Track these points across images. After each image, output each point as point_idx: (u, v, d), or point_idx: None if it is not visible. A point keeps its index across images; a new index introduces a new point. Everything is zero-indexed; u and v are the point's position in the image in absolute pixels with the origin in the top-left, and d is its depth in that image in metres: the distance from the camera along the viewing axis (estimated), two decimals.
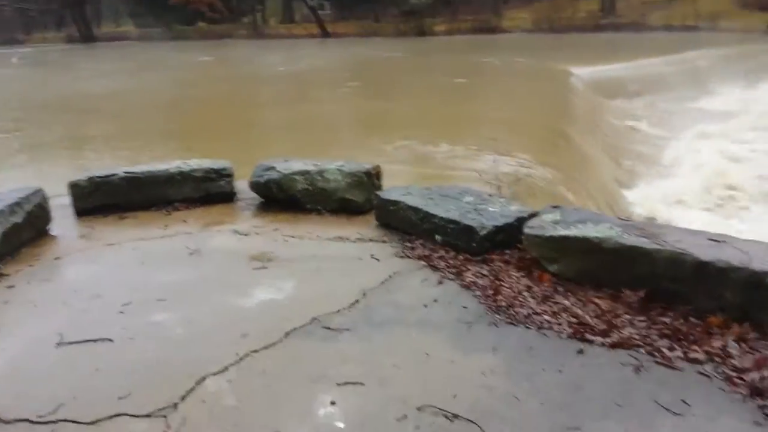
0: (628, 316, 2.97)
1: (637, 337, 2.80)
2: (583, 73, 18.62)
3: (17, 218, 4.16)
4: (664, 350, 2.69)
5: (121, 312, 3.23)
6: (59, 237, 4.49)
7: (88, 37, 63.66)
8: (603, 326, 2.90)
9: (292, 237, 4.32)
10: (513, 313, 3.10)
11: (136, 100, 17.16)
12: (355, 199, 4.87)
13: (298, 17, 68.59)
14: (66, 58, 39.54)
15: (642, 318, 2.95)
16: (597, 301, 3.13)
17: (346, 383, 2.56)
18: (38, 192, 4.52)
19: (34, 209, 4.38)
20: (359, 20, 57.77)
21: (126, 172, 5.13)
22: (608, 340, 2.80)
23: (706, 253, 2.94)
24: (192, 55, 36.07)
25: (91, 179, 4.99)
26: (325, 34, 56.27)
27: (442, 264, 3.74)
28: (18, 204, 4.22)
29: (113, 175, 5.08)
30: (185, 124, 13.53)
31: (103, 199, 4.99)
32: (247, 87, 20.21)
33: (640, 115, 16.43)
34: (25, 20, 69.66)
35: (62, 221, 4.76)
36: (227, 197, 5.28)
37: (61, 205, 4.98)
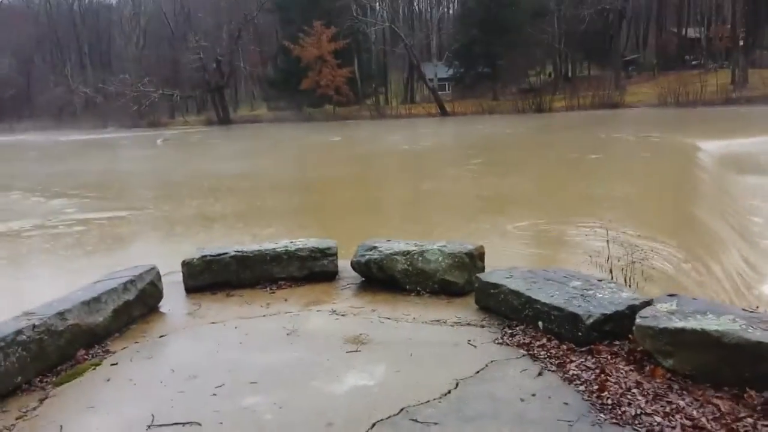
0: (751, 420, 2.62)
1: None
2: (711, 147, 17.66)
3: (129, 296, 4.38)
4: None
5: (214, 394, 3.24)
6: (167, 314, 4.67)
7: (225, 120, 68.86)
8: (722, 431, 2.56)
9: (389, 319, 4.24)
10: (620, 412, 2.82)
11: (266, 179, 18.14)
12: (455, 281, 4.74)
13: (418, 98, 70.80)
14: (206, 139, 42.85)
15: (767, 423, 2.58)
16: (716, 401, 2.79)
17: None
18: (152, 270, 4.75)
19: (146, 287, 4.60)
20: (477, 99, 58.57)
21: (236, 251, 5.31)
22: None
23: None
24: (320, 135, 38.00)
25: (203, 258, 5.20)
26: (444, 112, 57.52)
27: (544, 353, 3.51)
28: (132, 282, 4.45)
29: (224, 254, 5.26)
30: (309, 202, 14.08)
31: (213, 277, 5.17)
32: (371, 165, 20.75)
33: None
34: (170, 105, 76.42)
35: (173, 298, 4.97)
36: (330, 276, 5.32)
37: (174, 282, 5.21)
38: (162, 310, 4.75)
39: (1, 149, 43.33)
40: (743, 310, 3.34)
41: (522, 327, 3.90)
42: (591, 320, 3.52)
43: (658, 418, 2.74)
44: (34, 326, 3.58)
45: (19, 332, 3.48)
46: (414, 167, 20.96)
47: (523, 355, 3.53)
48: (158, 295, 4.79)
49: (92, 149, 38.97)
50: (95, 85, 74.77)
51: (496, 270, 4.55)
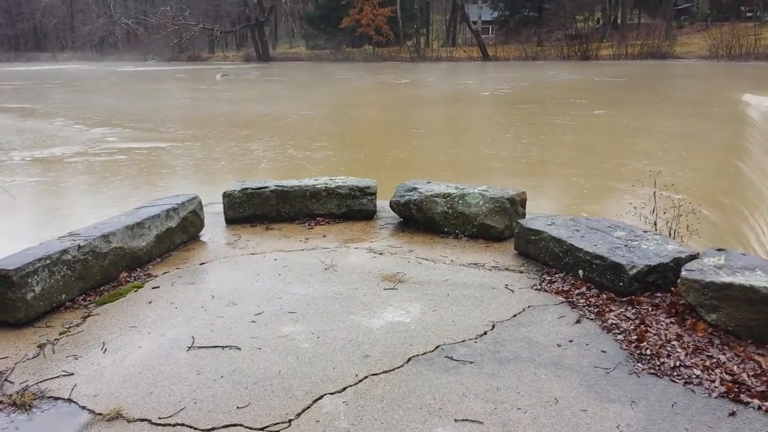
0: None
1: None
2: (762, 103, 16.99)
3: (171, 223, 4.45)
4: None
5: (253, 321, 3.30)
6: (208, 243, 4.73)
7: (264, 57, 68.41)
8: (762, 387, 2.52)
9: (426, 260, 4.24)
10: (658, 363, 2.79)
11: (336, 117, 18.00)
12: (495, 225, 4.70)
13: (460, 40, 69.20)
14: (265, 76, 42.61)
15: None
16: (758, 358, 2.74)
17: (465, 420, 2.41)
18: (194, 199, 4.80)
19: (188, 215, 4.66)
20: (521, 44, 57.02)
21: (276, 185, 5.33)
22: (767, 403, 2.42)
23: None
24: (384, 76, 37.64)
25: (244, 190, 5.23)
26: (486, 57, 56.22)
27: (583, 302, 3.48)
28: (174, 209, 4.51)
29: (265, 187, 5.29)
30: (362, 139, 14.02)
31: (253, 210, 5.21)
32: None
33: None
34: (209, 39, 76.08)
35: (213, 228, 5.03)
36: (368, 215, 5.32)
37: (215, 212, 5.26)
38: (203, 239, 4.82)
39: (74, 78, 43.55)
40: None
41: (561, 275, 3.86)
42: (634, 271, 3.46)
43: (697, 371, 2.70)
44: (79, 246, 3.66)
45: (64, 251, 3.57)
46: (456, 109, 20.65)
47: (562, 302, 3.50)
48: (200, 224, 4.85)
49: (159, 83, 38.94)
50: (137, 17, 74.62)
51: (537, 216, 4.49)
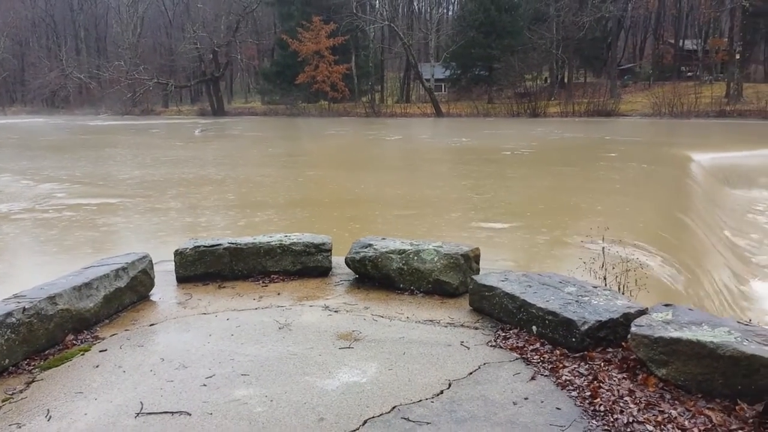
0: None
1: None
2: (704, 159, 17.75)
3: (120, 283, 4.34)
4: None
5: (204, 385, 3.21)
6: (159, 303, 4.63)
7: (219, 111, 68.53)
8: None
9: (382, 317, 4.22)
10: (611, 419, 2.81)
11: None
12: (450, 281, 4.73)
13: (414, 97, 70.74)
14: (246, 131, 42.20)
15: None
16: (708, 413, 2.78)
17: None
18: (144, 258, 4.71)
19: (138, 275, 4.56)
20: (473, 101, 58.63)
21: (230, 243, 5.27)
22: None
23: None
24: (372, 132, 37.94)
25: (196, 248, 5.16)
26: (440, 113, 57.51)
27: (537, 358, 3.50)
28: (123, 269, 4.41)
29: (218, 245, 5.23)
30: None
31: (205, 268, 5.13)
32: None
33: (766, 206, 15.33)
34: (164, 94, 75.96)
35: (164, 287, 4.93)
36: (324, 272, 5.29)
37: (166, 270, 5.16)
38: (153, 298, 4.71)
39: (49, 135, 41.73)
40: (738, 322, 3.34)
41: (516, 330, 3.89)
42: (586, 326, 3.51)
43: (650, 427, 2.73)
44: (24, 309, 3.54)
45: (8, 314, 3.45)
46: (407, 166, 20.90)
47: (516, 359, 3.52)
48: (150, 283, 4.75)
49: (139, 136, 38.07)
50: (90, 71, 74.17)
51: (491, 272, 4.54)
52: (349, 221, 11.11)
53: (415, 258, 4.85)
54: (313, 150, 28.31)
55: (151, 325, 4.15)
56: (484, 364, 3.45)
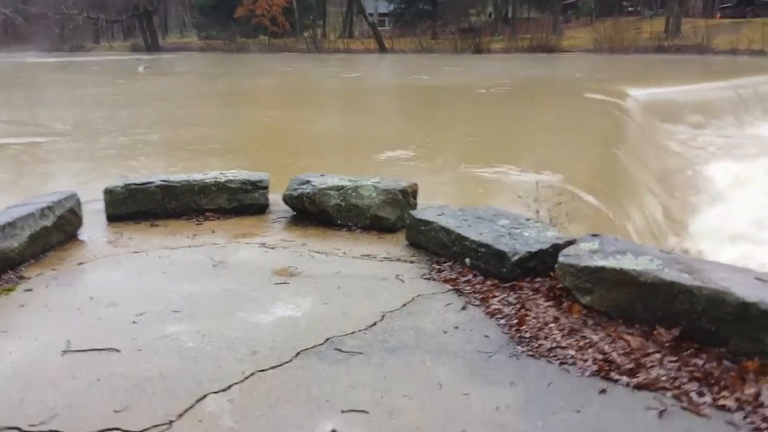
0: (658, 356, 2.74)
1: (665, 378, 2.57)
2: (640, 95, 18.11)
3: (46, 222, 4.19)
4: (693, 395, 2.46)
5: (134, 322, 3.17)
6: (87, 242, 4.51)
7: (153, 47, 65.79)
8: (630, 365, 2.68)
9: (318, 253, 4.23)
10: (536, 345, 2.92)
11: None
12: (387, 217, 4.75)
13: (357, 33, 69.40)
14: (193, 67, 40.44)
15: (673, 359, 2.71)
16: (627, 337, 2.91)
17: (352, 410, 2.43)
18: (72, 197, 4.55)
19: (65, 213, 4.41)
20: (417, 36, 57.94)
21: (162, 180, 5.14)
22: (634, 380, 2.58)
23: (750, 293, 2.69)
24: (324, 69, 36.81)
25: (126, 186, 5.01)
26: (383, 49, 56.69)
27: (468, 289, 3.58)
28: (49, 208, 4.25)
29: (149, 183, 5.09)
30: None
31: (137, 206, 5.00)
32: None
33: (699, 141, 15.86)
34: (94, 29, 72.29)
35: (93, 226, 4.79)
36: (261, 209, 5.23)
37: (95, 210, 5.01)
38: (82, 237, 4.58)
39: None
40: (660, 251, 3.48)
41: (450, 263, 3.96)
42: (516, 257, 3.59)
43: (571, 352, 2.84)
44: None
45: None
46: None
47: (449, 290, 3.59)
48: (77, 222, 4.60)
49: (78, 74, 36.04)
50: (15, 6, 69.59)
51: (428, 207, 4.58)
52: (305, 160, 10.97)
53: (354, 194, 4.84)
54: (268, 87, 27.62)
55: (80, 264, 4.04)
56: (418, 296, 3.51)
